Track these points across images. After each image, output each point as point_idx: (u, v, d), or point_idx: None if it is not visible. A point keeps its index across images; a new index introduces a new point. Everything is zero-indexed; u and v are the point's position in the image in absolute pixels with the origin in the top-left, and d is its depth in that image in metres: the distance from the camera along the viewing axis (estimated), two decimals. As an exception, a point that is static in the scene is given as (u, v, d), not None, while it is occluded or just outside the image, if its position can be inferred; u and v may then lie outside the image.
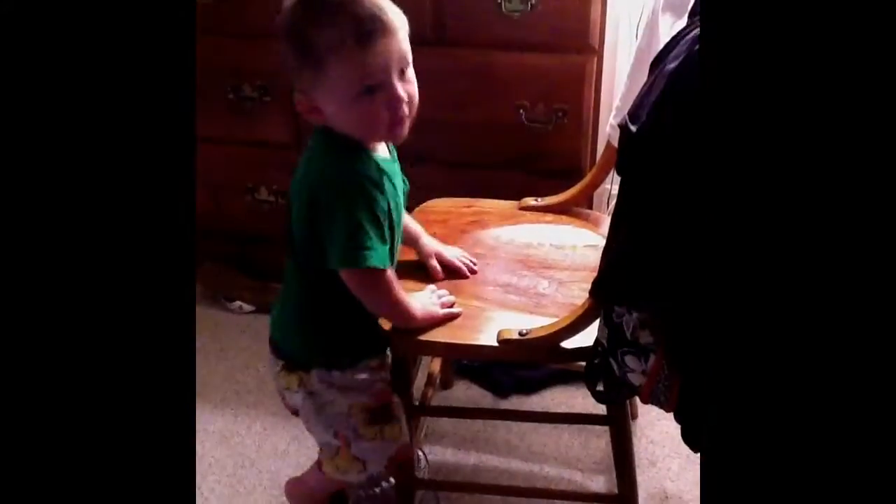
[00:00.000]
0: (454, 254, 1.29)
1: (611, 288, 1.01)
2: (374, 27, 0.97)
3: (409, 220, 1.27)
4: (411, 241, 1.28)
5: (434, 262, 1.27)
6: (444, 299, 1.19)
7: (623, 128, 0.95)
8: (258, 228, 1.96)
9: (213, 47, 1.77)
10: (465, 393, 1.70)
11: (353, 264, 1.05)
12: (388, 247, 1.06)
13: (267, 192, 1.91)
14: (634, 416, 1.61)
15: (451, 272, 1.27)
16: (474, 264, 1.29)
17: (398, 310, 1.12)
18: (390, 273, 1.08)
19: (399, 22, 1.00)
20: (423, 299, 1.17)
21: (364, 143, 1.07)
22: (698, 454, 0.97)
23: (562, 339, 1.11)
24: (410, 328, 1.14)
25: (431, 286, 1.22)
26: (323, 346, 1.17)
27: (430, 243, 1.29)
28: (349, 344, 1.17)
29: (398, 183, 1.12)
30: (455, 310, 1.18)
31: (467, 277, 1.27)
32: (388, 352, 1.21)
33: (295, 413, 1.22)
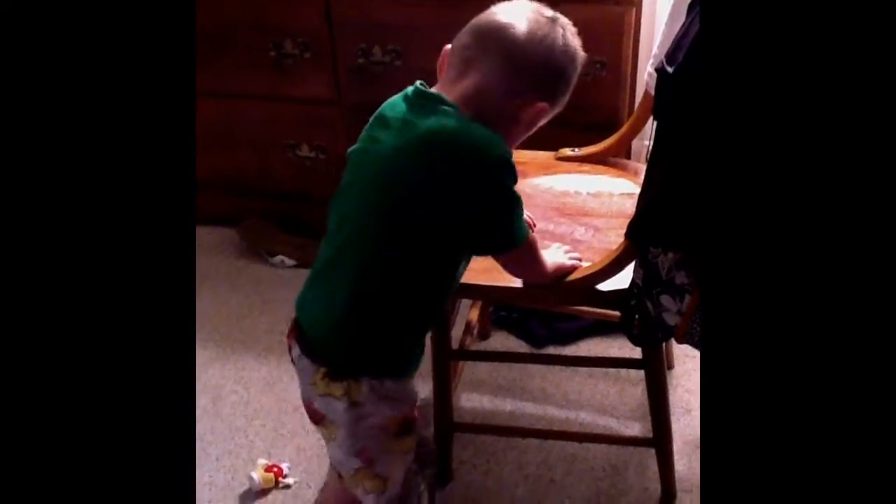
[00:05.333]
0: None
1: (647, 228, 1.03)
2: None
3: None
4: None
5: None
6: (571, 253, 1.20)
7: (660, 71, 0.96)
8: (300, 185, 2.00)
9: (255, 5, 1.80)
10: (503, 343, 1.73)
11: (521, 240, 1.04)
12: None
13: (308, 148, 1.94)
14: (671, 367, 1.63)
15: None
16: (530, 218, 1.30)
17: (543, 269, 1.13)
18: None
19: None
20: (551, 254, 1.18)
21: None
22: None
23: (598, 282, 1.13)
24: (544, 282, 1.15)
25: (557, 243, 1.23)
26: (381, 351, 1.06)
27: None
28: (409, 350, 1.09)
29: None
30: (578, 261, 1.19)
31: (533, 230, 1.26)
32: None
33: (317, 422, 1.11)
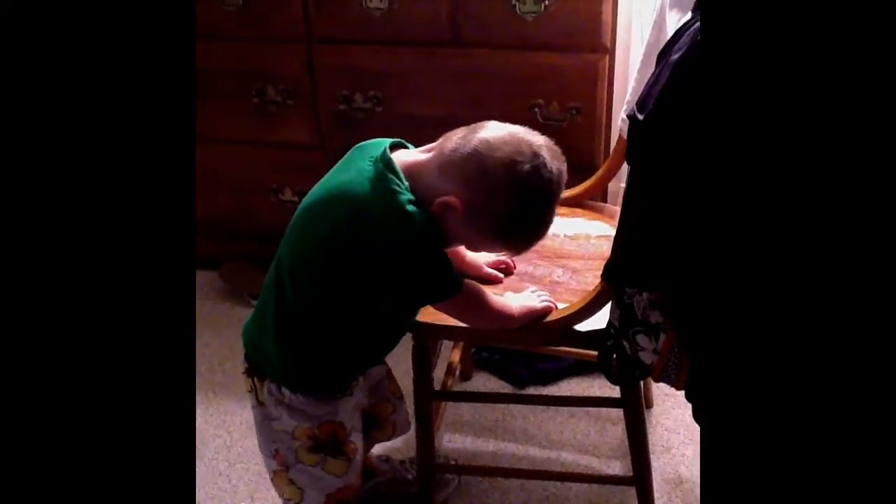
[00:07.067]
0: (491, 258, 1.32)
1: (622, 270, 1.06)
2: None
3: None
4: (458, 262, 1.26)
5: (489, 270, 1.29)
6: (543, 297, 1.21)
7: (631, 118, 0.99)
8: (283, 228, 2.00)
9: (238, 52, 1.84)
10: (485, 384, 1.75)
11: (456, 290, 1.08)
12: None
13: (291, 192, 1.96)
14: (650, 405, 1.64)
15: (503, 272, 1.31)
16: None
17: (498, 315, 1.15)
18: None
19: None
20: (521, 298, 1.20)
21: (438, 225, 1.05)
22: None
23: (575, 322, 1.15)
24: (513, 327, 1.17)
25: (532, 287, 1.24)
26: (281, 363, 1.14)
27: (474, 258, 1.29)
28: (317, 374, 1.15)
29: None
30: (552, 304, 1.20)
31: (512, 273, 1.31)
32: (352, 394, 1.19)
33: None
